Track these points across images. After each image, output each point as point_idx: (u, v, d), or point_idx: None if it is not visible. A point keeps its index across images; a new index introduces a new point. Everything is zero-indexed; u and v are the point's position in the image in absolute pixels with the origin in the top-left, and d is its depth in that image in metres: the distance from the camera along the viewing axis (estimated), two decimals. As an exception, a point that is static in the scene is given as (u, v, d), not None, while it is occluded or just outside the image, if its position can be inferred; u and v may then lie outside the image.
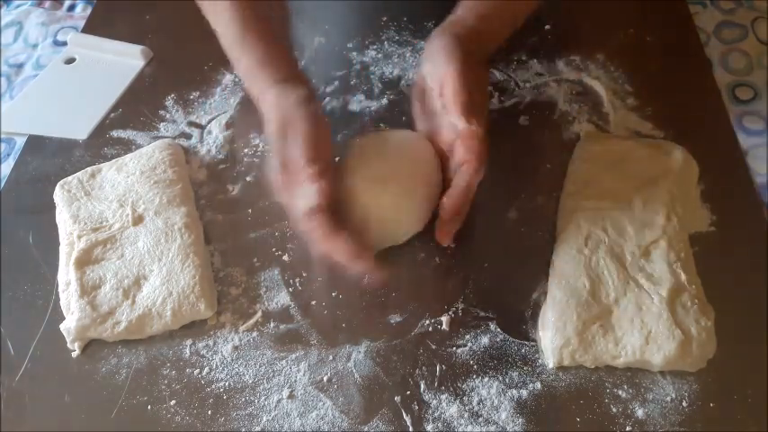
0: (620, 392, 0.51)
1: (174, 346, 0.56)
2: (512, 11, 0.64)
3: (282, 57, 0.59)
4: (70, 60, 0.81)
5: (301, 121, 0.54)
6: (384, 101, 0.73)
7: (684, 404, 0.51)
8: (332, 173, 0.54)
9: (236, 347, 0.55)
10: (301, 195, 0.52)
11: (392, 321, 0.56)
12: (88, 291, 0.57)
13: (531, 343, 0.54)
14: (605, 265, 0.55)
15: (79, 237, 0.60)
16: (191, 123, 0.72)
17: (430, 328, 0.56)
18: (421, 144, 0.59)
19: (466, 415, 0.51)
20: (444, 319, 0.56)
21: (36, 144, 0.72)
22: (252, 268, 0.60)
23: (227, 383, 0.53)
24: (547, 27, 0.79)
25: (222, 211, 0.65)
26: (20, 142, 0.72)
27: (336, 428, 0.51)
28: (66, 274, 0.58)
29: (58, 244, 0.61)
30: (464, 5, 0.62)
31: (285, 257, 0.61)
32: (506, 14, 0.64)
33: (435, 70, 0.57)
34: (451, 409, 0.51)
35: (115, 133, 0.72)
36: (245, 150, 0.69)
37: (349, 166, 0.57)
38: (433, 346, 0.55)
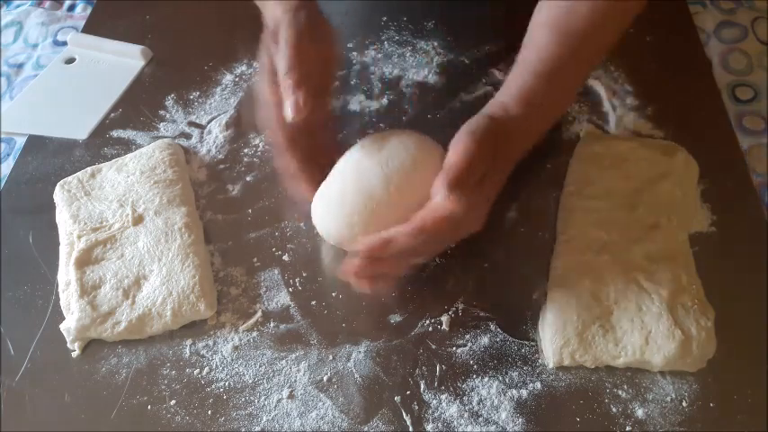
0: (620, 392, 0.51)
1: (174, 346, 0.56)
2: (554, 101, 0.58)
3: None
4: (70, 60, 0.81)
5: (284, 30, 0.52)
6: (384, 101, 0.73)
7: (684, 404, 0.51)
8: (313, 86, 0.52)
9: (236, 347, 0.55)
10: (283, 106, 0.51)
11: (392, 321, 0.56)
12: (88, 291, 0.57)
13: (531, 343, 0.54)
14: (605, 265, 0.55)
15: (79, 237, 0.60)
16: (191, 123, 0.72)
17: (430, 328, 0.56)
18: (424, 143, 0.58)
19: (466, 415, 0.51)
20: (444, 319, 0.56)
21: (36, 144, 0.72)
22: (252, 268, 0.60)
23: (227, 383, 0.53)
24: (547, 27, 0.79)
25: (222, 211, 0.65)
26: (20, 142, 0.72)
27: (336, 428, 0.51)
28: (66, 274, 0.58)
29: (58, 244, 0.61)
30: (507, 86, 0.56)
31: (285, 257, 0.61)
32: (549, 104, 0.57)
33: (453, 142, 0.52)
34: (451, 409, 0.51)
35: (115, 133, 0.72)
36: (245, 150, 0.69)
37: (351, 165, 0.56)
38: (433, 346, 0.55)
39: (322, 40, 0.55)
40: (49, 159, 0.70)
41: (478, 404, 0.51)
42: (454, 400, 0.52)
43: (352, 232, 0.53)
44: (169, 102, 0.75)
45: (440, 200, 0.48)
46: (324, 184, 0.56)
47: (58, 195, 0.64)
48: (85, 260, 0.58)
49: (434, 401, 0.52)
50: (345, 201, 0.53)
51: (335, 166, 0.56)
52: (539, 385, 0.52)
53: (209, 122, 0.72)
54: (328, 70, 0.57)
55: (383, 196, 0.52)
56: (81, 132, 0.72)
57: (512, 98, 0.54)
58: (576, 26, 0.55)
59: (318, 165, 0.56)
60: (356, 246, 0.50)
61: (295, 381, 0.53)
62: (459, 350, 0.54)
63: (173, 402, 0.52)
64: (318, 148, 0.56)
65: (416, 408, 0.51)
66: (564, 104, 0.61)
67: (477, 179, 0.50)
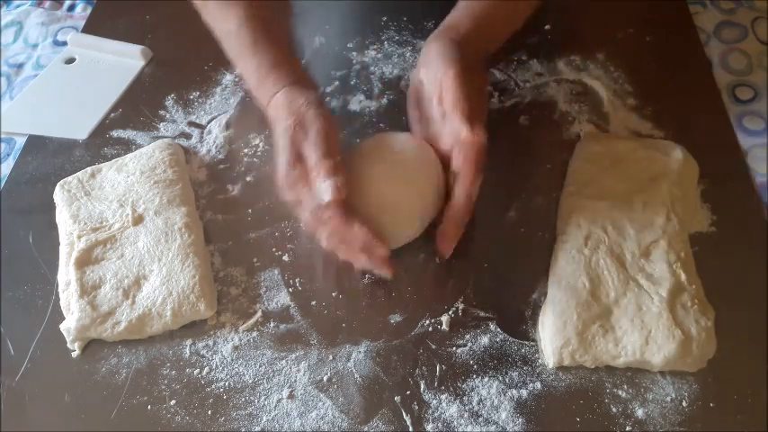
0: (620, 392, 0.51)
1: (174, 346, 0.56)
2: (509, 12, 0.64)
3: (292, 60, 0.60)
4: (70, 60, 0.81)
5: (316, 118, 0.54)
6: (384, 101, 0.73)
7: (684, 404, 0.51)
8: (344, 169, 0.54)
9: (236, 347, 0.55)
10: (317, 191, 0.52)
11: (392, 321, 0.56)
12: (88, 291, 0.57)
13: (531, 343, 0.54)
14: (605, 265, 0.55)
15: (79, 237, 0.60)
16: (191, 123, 0.72)
17: (430, 328, 0.56)
18: (423, 147, 0.59)
19: (466, 415, 0.51)
20: (444, 319, 0.56)
21: (36, 144, 0.72)
22: (252, 268, 0.60)
23: (227, 383, 0.53)
24: (547, 27, 0.79)
25: (222, 211, 0.65)
26: (20, 142, 0.72)
27: (336, 428, 0.51)
28: (66, 274, 0.58)
29: (58, 244, 0.61)
30: (460, 8, 0.62)
31: (285, 257, 0.61)
32: (504, 16, 0.63)
33: (433, 76, 0.57)
34: (451, 409, 0.51)
35: (115, 133, 0.72)
36: (245, 150, 0.69)
37: (353, 166, 0.57)
38: (433, 346, 0.55)
39: (336, 126, 0.57)
40: (49, 159, 0.70)
41: (478, 404, 0.51)
42: (454, 400, 0.52)
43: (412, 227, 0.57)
44: (169, 102, 0.75)
45: (466, 135, 0.53)
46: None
47: (58, 195, 0.64)
48: (85, 260, 0.58)
49: (434, 401, 0.52)
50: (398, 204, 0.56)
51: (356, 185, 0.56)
52: (539, 385, 0.52)
53: (209, 122, 0.72)
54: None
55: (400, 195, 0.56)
56: (81, 132, 0.72)
57: (463, 18, 0.61)
58: None
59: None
60: (445, 222, 0.55)
61: (295, 381, 0.53)
62: (459, 350, 0.54)
63: (173, 402, 0.52)
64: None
65: (416, 408, 0.51)
66: (514, 24, 0.65)
67: (475, 99, 0.55)
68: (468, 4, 0.62)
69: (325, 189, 0.52)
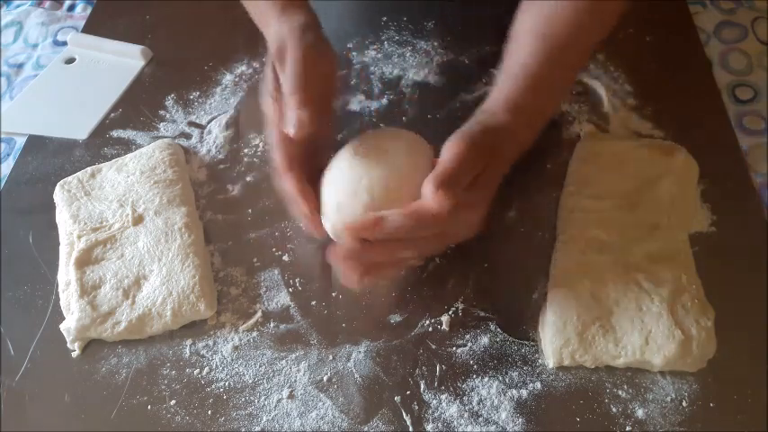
0: (620, 392, 0.51)
1: (174, 346, 0.56)
2: (541, 108, 0.58)
3: None
4: (70, 60, 0.81)
5: (291, 49, 0.53)
6: (384, 101, 0.73)
7: (684, 404, 0.51)
8: (316, 104, 0.52)
9: (236, 347, 0.55)
10: (284, 123, 0.52)
11: (392, 321, 0.56)
12: (88, 291, 0.57)
13: (531, 343, 0.54)
14: (605, 265, 0.55)
15: (79, 237, 0.60)
16: (191, 123, 0.72)
17: (430, 328, 0.56)
18: (418, 143, 0.58)
19: (466, 415, 0.51)
20: (444, 319, 0.56)
21: (36, 144, 0.72)
22: (252, 268, 0.60)
23: (227, 383, 0.53)
24: (547, 27, 0.79)
25: (222, 211, 0.65)
26: (20, 142, 0.72)
27: (336, 428, 0.51)
28: (66, 274, 0.58)
29: (58, 244, 0.61)
30: (495, 94, 0.56)
31: (285, 257, 0.61)
32: (536, 111, 0.57)
33: (444, 146, 0.52)
34: (451, 409, 0.51)
35: (115, 133, 0.72)
36: (245, 150, 0.69)
37: (342, 165, 0.56)
38: (433, 346, 0.55)
39: (325, 61, 0.56)
40: (49, 159, 0.70)
41: (478, 404, 0.51)
42: (454, 400, 0.52)
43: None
44: (169, 102, 0.75)
45: (427, 197, 0.49)
46: (323, 191, 0.55)
47: (58, 195, 0.64)
48: (85, 260, 0.58)
49: (434, 401, 0.52)
50: (343, 204, 0.53)
51: (329, 170, 0.55)
52: (539, 385, 0.52)
53: (209, 122, 0.72)
54: (330, 91, 0.58)
55: (380, 197, 0.52)
56: (81, 132, 0.72)
57: (498, 105, 0.55)
58: (558, 31, 0.55)
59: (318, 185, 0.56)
60: (347, 227, 0.49)
61: (295, 381, 0.53)
62: (459, 350, 0.54)
63: (173, 402, 0.52)
64: (319, 168, 0.56)
65: (416, 408, 0.51)
66: (550, 108, 0.61)
67: (467, 181, 0.50)
68: (506, 92, 0.56)
69: (289, 121, 0.51)
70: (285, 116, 0.53)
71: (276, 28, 0.56)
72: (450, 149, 0.50)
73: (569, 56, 0.57)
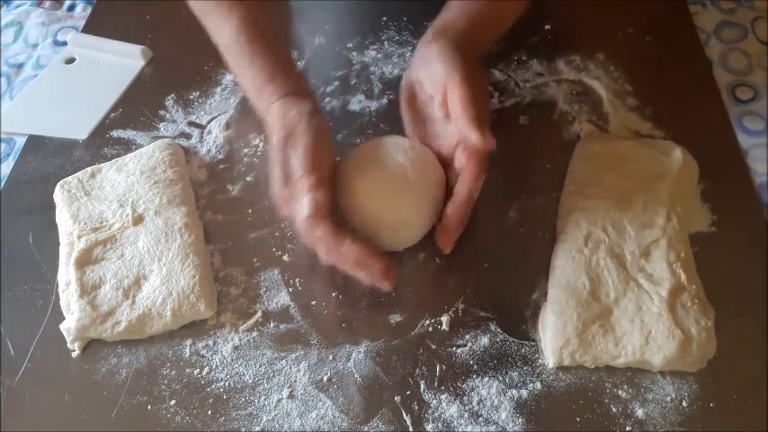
0: (620, 392, 0.51)
1: (174, 346, 0.56)
2: (502, 12, 0.63)
3: (288, 70, 0.60)
4: (70, 60, 0.81)
5: (302, 134, 0.54)
6: (384, 101, 0.73)
7: (684, 404, 0.51)
8: (330, 184, 0.54)
9: (236, 347, 0.55)
10: (299, 206, 0.52)
11: (392, 321, 0.56)
12: (88, 291, 0.57)
13: (531, 343, 0.54)
14: (605, 265, 0.55)
15: (79, 237, 0.60)
16: (191, 123, 0.72)
17: (430, 328, 0.56)
18: (421, 150, 0.59)
19: (466, 415, 0.51)
20: (444, 319, 0.56)
21: (36, 144, 0.72)
22: (252, 268, 0.60)
23: (227, 383, 0.53)
24: (547, 27, 0.79)
25: (222, 211, 0.65)
26: (20, 142, 0.72)
27: (336, 428, 0.51)
28: (66, 274, 0.58)
29: (58, 244, 0.61)
30: (453, 8, 0.62)
31: (285, 257, 0.61)
32: (496, 16, 0.63)
33: (435, 77, 0.56)
34: (451, 409, 0.51)
35: (115, 133, 0.72)
36: (245, 150, 0.69)
37: (348, 174, 0.57)
38: (433, 346, 0.55)
39: (328, 142, 0.57)
40: (49, 159, 0.70)
41: (478, 404, 0.51)
42: (454, 400, 0.52)
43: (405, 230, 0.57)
44: (169, 102, 0.75)
45: (476, 140, 0.53)
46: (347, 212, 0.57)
47: (58, 195, 0.64)
48: (85, 260, 0.58)
49: (434, 401, 0.52)
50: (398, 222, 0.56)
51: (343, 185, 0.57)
52: (539, 385, 0.52)
53: (209, 122, 0.72)
54: (331, 167, 0.58)
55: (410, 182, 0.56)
56: (81, 132, 0.72)
57: (457, 18, 0.60)
58: None
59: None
60: (446, 218, 0.55)
61: (295, 381, 0.53)
62: (459, 350, 0.54)
63: (173, 402, 0.52)
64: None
65: (416, 408, 0.51)
66: (505, 24, 0.65)
67: (480, 102, 0.54)
68: (461, 4, 0.61)
69: (304, 205, 0.52)
70: (298, 199, 0.53)
71: (280, 113, 0.56)
72: (457, 87, 0.54)
73: None
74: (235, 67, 0.62)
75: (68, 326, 0.55)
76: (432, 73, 0.57)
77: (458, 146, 0.57)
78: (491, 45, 0.64)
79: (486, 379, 0.52)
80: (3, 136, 0.74)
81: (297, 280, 0.59)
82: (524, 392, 0.52)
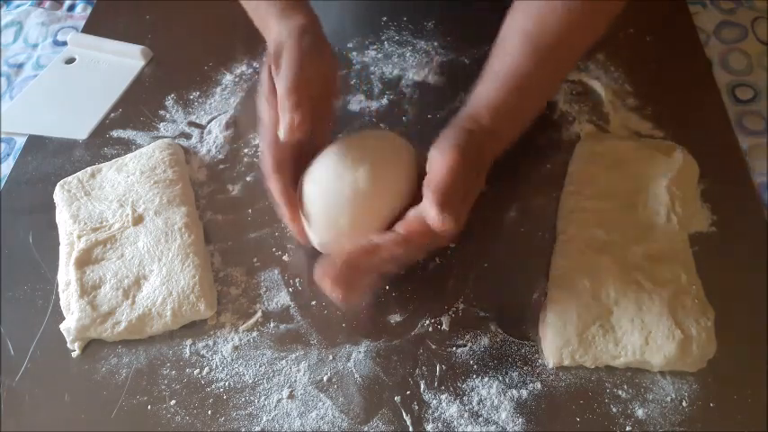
0: (620, 392, 0.51)
1: (174, 346, 0.56)
2: (526, 111, 0.58)
3: None
4: (70, 60, 0.81)
5: (288, 51, 0.54)
6: (384, 101, 0.73)
7: (684, 404, 0.51)
8: (313, 106, 0.52)
9: (236, 347, 0.55)
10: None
11: (392, 321, 0.56)
12: (88, 291, 0.57)
13: (531, 343, 0.54)
14: (605, 265, 0.55)
15: (79, 237, 0.60)
16: (191, 123, 0.72)
17: (430, 328, 0.56)
18: (394, 140, 0.57)
19: (466, 415, 0.51)
20: (444, 319, 0.56)
21: (36, 144, 0.72)
22: (252, 268, 0.60)
23: (227, 383, 0.53)
24: (547, 27, 0.79)
25: (222, 211, 0.65)
26: (20, 142, 0.72)
27: (336, 428, 0.51)
28: (66, 274, 0.58)
29: (58, 244, 0.61)
30: (481, 97, 0.56)
31: (285, 257, 0.61)
32: (521, 115, 0.57)
33: (434, 153, 0.51)
34: (451, 409, 0.51)
35: (115, 133, 0.72)
36: (245, 150, 0.69)
37: (323, 162, 0.55)
38: (433, 346, 0.55)
39: (324, 62, 0.56)
40: (49, 159, 0.70)
41: (478, 404, 0.51)
42: (454, 400, 0.52)
43: (337, 238, 0.53)
44: (169, 102, 0.75)
45: (432, 219, 0.48)
46: (303, 196, 0.55)
47: (58, 195, 0.64)
48: (85, 260, 0.58)
49: (434, 401, 0.52)
50: (327, 207, 0.53)
51: (307, 175, 0.55)
52: (539, 385, 0.52)
53: (209, 122, 0.72)
54: (329, 92, 0.57)
55: (358, 198, 0.52)
56: (81, 132, 0.72)
57: (483, 110, 0.54)
58: (548, 30, 0.53)
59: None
60: (340, 251, 0.50)
61: (295, 381, 0.53)
62: (459, 350, 0.54)
63: (173, 402, 0.52)
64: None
65: (416, 408, 0.51)
66: (534, 110, 0.60)
67: (462, 194, 0.50)
68: (488, 96, 0.55)
69: (280, 124, 0.52)
70: (279, 119, 0.52)
71: (275, 30, 0.56)
72: (444, 162, 0.49)
73: (557, 57, 0.56)
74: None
75: (68, 326, 0.55)
76: (436, 148, 0.52)
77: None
78: (506, 146, 0.57)
79: (486, 379, 0.52)
80: (3, 136, 0.74)
81: (297, 280, 0.59)
82: (524, 392, 0.52)
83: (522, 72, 0.54)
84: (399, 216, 0.52)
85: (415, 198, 0.52)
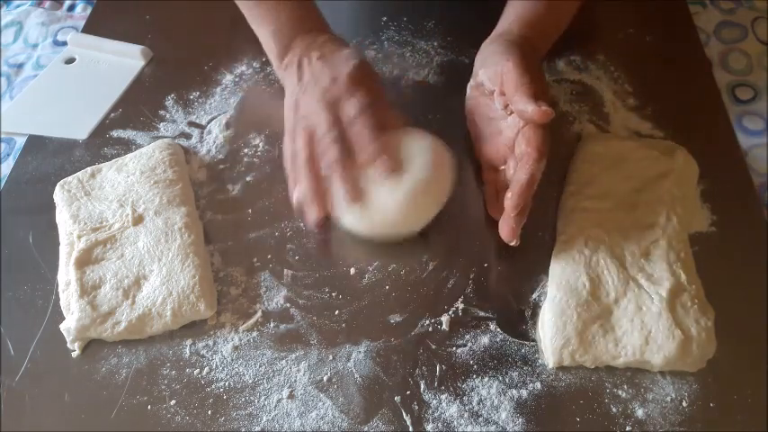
0: (620, 392, 0.51)
1: (174, 346, 0.56)
2: (556, 15, 0.66)
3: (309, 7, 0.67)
4: (70, 60, 0.81)
5: (355, 70, 0.59)
6: (384, 101, 0.73)
7: (684, 404, 0.51)
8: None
9: (236, 347, 0.55)
10: (349, 102, 0.57)
11: (392, 321, 0.56)
12: (88, 291, 0.57)
13: (531, 343, 0.54)
14: (605, 265, 0.55)
15: (79, 237, 0.60)
16: (191, 123, 0.72)
17: (430, 328, 0.56)
18: (435, 146, 0.59)
19: (466, 415, 0.51)
20: (444, 319, 0.56)
21: (36, 144, 0.72)
22: (252, 268, 0.60)
23: (227, 383, 0.53)
24: (547, 27, 0.79)
25: (222, 211, 0.65)
26: (20, 142, 0.72)
27: (336, 428, 0.51)
28: (66, 274, 0.58)
29: (58, 244, 0.61)
30: (509, 14, 0.64)
31: (286, 257, 0.61)
32: (553, 19, 0.65)
33: (493, 72, 0.59)
34: (451, 409, 0.51)
35: (115, 133, 0.72)
36: (245, 150, 0.69)
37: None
38: (433, 346, 0.55)
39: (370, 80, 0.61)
40: (49, 159, 0.70)
41: (478, 404, 0.51)
42: (454, 400, 0.52)
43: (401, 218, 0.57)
44: (169, 102, 0.74)
45: (533, 112, 0.54)
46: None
47: (58, 195, 0.64)
48: (85, 260, 0.58)
49: (434, 401, 0.52)
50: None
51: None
52: (539, 385, 0.52)
53: (209, 122, 0.72)
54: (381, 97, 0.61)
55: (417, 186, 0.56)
56: (81, 132, 0.72)
57: (516, 23, 0.63)
58: None
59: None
60: (508, 206, 0.55)
61: (295, 381, 0.53)
62: (459, 350, 0.54)
63: (173, 402, 0.52)
64: None
65: (416, 408, 0.51)
66: (560, 26, 0.67)
67: (540, 85, 0.56)
68: (517, 11, 0.64)
69: (355, 101, 0.56)
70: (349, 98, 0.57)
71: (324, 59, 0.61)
72: (511, 63, 0.56)
73: None
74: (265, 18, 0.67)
75: (68, 326, 0.55)
76: (489, 69, 0.59)
77: (517, 134, 0.57)
78: (548, 48, 0.66)
79: (486, 379, 0.52)
80: (3, 136, 0.74)
81: (297, 280, 0.59)
82: (524, 392, 0.52)
83: None
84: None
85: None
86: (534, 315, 0.56)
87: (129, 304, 0.56)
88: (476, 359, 0.54)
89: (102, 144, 0.71)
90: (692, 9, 0.81)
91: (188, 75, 0.77)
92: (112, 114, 0.74)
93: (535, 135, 0.55)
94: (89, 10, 0.88)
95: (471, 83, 0.65)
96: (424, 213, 0.58)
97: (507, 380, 0.52)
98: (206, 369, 0.54)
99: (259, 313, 0.57)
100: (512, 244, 0.56)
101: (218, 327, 0.57)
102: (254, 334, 0.56)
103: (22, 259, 0.62)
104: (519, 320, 0.56)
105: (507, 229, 0.55)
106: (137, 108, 0.74)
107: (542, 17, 0.63)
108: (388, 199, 0.56)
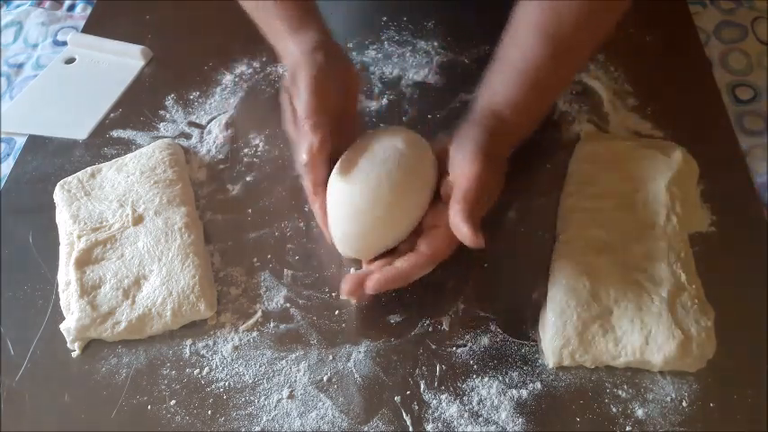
0: (620, 392, 0.51)
1: (174, 346, 0.56)
2: (543, 106, 0.60)
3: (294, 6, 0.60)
4: (70, 60, 0.81)
5: (302, 75, 0.54)
6: (384, 101, 0.73)
7: (684, 404, 0.51)
8: (333, 123, 0.54)
9: (235, 347, 0.55)
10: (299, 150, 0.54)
11: (392, 321, 0.56)
12: (88, 291, 0.57)
13: (531, 343, 0.54)
14: (605, 265, 0.55)
15: (79, 237, 0.60)
16: (191, 123, 0.72)
17: (430, 328, 0.56)
18: (418, 145, 0.57)
19: (466, 415, 0.51)
20: (444, 319, 0.56)
21: (36, 144, 0.72)
22: (252, 268, 0.60)
23: (227, 383, 0.53)
24: (547, 27, 0.79)
25: (222, 211, 0.65)
26: (20, 142, 0.72)
27: (336, 428, 0.51)
28: (66, 274, 0.58)
29: (58, 244, 0.61)
30: (498, 92, 0.56)
31: (286, 257, 0.61)
32: (538, 109, 0.59)
33: (458, 166, 0.53)
34: (451, 409, 0.51)
35: (115, 133, 0.72)
36: (245, 150, 0.69)
37: (339, 168, 0.55)
38: (433, 346, 0.55)
39: (339, 76, 0.56)
40: (49, 159, 0.70)
41: (478, 404, 0.51)
42: (454, 400, 0.52)
43: (365, 243, 0.55)
44: (169, 102, 0.75)
45: (465, 236, 0.50)
46: (329, 201, 0.56)
47: (58, 195, 0.64)
48: (85, 260, 0.58)
49: (434, 401, 0.52)
50: (356, 213, 0.54)
51: (331, 180, 0.55)
52: (539, 385, 0.52)
53: (209, 122, 0.72)
54: (351, 103, 0.58)
55: (388, 198, 0.53)
56: (81, 132, 0.72)
57: (503, 105, 0.55)
58: (565, 32, 0.54)
59: None
60: (370, 283, 0.52)
61: (295, 381, 0.53)
62: (459, 350, 0.54)
63: (173, 402, 0.52)
64: None
65: (416, 408, 0.51)
66: (549, 107, 0.63)
67: (485, 200, 0.52)
68: (510, 91, 0.56)
69: (302, 149, 0.53)
70: (300, 142, 0.54)
71: (290, 50, 0.57)
72: (471, 173, 0.51)
73: (574, 56, 0.57)
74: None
75: (68, 326, 0.55)
76: (455, 164, 0.54)
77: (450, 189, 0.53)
78: (523, 139, 0.58)
79: (486, 379, 0.52)
80: (3, 136, 0.74)
81: (297, 280, 0.59)
82: (524, 392, 0.52)
83: (539, 66, 0.54)
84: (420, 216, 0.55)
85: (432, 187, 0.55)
86: (534, 315, 0.56)
87: (129, 304, 0.56)
88: (476, 359, 0.54)
89: (102, 144, 0.71)
90: (692, 9, 0.81)
91: (188, 75, 0.77)
92: (112, 114, 0.74)
93: (444, 237, 0.52)
94: (89, 10, 0.88)
95: (443, 144, 0.56)
96: (415, 206, 0.55)
97: (507, 380, 0.52)
98: (206, 369, 0.54)
99: (259, 313, 0.57)
100: (354, 301, 0.56)
101: (218, 327, 0.57)
102: (254, 334, 0.56)
103: (22, 259, 0.62)
104: (519, 320, 0.56)
105: (348, 286, 0.53)
106: (137, 108, 0.74)
107: (536, 105, 0.57)
108: (369, 217, 0.53)
